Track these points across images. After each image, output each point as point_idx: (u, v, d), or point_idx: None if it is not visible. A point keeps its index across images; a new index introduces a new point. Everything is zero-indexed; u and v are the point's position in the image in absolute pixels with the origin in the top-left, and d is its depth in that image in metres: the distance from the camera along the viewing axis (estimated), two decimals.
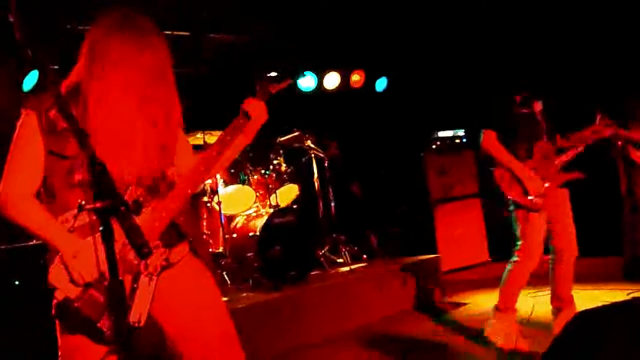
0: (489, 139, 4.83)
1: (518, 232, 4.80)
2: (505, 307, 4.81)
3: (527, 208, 4.71)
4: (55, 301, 2.40)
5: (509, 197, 4.76)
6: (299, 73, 6.76)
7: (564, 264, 4.84)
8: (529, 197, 4.68)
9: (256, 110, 2.87)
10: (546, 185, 4.70)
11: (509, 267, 4.85)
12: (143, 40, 2.59)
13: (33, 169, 2.48)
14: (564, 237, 4.85)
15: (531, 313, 5.46)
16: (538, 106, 4.96)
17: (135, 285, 2.47)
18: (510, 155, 4.76)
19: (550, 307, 4.93)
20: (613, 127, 4.95)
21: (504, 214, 5.03)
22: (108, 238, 1.93)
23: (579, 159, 4.93)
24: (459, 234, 8.36)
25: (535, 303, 5.71)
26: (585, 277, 6.36)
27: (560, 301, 4.86)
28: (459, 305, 6.47)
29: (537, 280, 5.05)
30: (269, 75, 2.98)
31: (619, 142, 6.39)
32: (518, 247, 4.80)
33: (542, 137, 4.89)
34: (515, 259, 4.81)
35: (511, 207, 4.83)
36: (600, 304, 2.73)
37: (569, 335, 2.41)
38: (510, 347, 4.69)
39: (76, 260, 2.36)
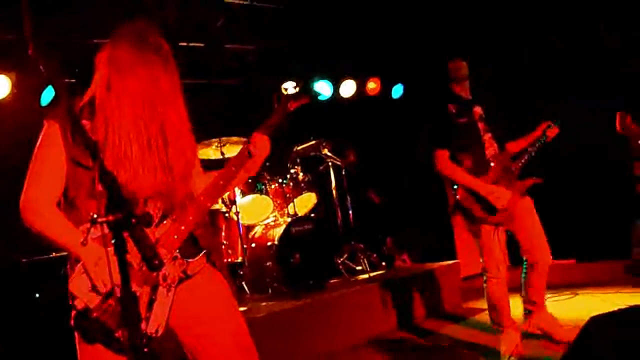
0: (442, 160, 4.62)
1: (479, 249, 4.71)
2: (500, 326, 4.71)
3: (495, 224, 4.58)
4: (74, 312, 2.43)
5: (476, 215, 4.58)
6: (316, 94, 6.73)
7: (536, 273, 4.73)
8: (497, 212, 4.52)
9: (258, 146, 2.93)
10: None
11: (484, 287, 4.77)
12: (150, 55, 2.62)
13: (55, 177, 2.52)
14: (533, 248, 4.72)
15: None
16: (477, 112, 4.79)
17: (153, 297, 2.51)
18: (467, 174, 4.58)
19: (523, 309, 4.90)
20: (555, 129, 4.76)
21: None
22: (120, 251, 1.95)
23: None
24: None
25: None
26: (593, 281, 6.52)
27: (532, 304, 4.80)
28: (478, 311, 6.44)
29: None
30: (287, 93, 3.02)
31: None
32: (483, 265, 4.74)
33: (486, 145, 4.71)
34: (484, 277, 4.75)
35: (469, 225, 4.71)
36: (613, 308, 2.72)
37: (583, 341, 2.40)
38: None
39: (98, 268, 2.39)
